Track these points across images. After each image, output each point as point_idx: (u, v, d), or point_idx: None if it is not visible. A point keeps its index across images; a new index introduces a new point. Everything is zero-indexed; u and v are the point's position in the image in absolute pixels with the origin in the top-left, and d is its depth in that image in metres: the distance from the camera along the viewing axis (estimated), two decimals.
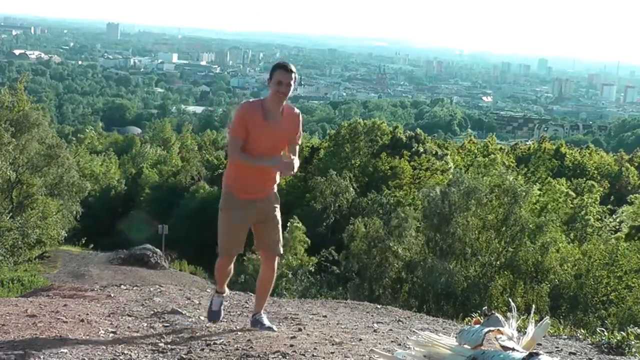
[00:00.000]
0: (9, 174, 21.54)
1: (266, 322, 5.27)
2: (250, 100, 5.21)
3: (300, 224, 23.28)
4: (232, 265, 5.30)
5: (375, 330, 5.59)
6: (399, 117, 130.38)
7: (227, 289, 5.52)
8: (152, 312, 5.98)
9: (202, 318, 5.84)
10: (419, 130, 38.68)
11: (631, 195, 28.38)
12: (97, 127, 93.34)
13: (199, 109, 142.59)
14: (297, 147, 5.12)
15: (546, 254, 18.18)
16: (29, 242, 21.92)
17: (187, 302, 6.64)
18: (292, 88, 4.92)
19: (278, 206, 5.18)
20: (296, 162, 4.95)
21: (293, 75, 4.90)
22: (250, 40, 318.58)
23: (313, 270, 22.05)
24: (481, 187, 18.65)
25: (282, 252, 5.22)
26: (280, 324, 5.63)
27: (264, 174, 4.98)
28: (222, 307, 5.44)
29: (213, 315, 5.40)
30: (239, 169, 5.02)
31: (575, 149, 44.90)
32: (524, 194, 18.74)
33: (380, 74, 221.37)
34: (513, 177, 20.30)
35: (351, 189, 26.96)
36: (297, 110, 5.14)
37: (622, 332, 5.44)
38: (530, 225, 18.73)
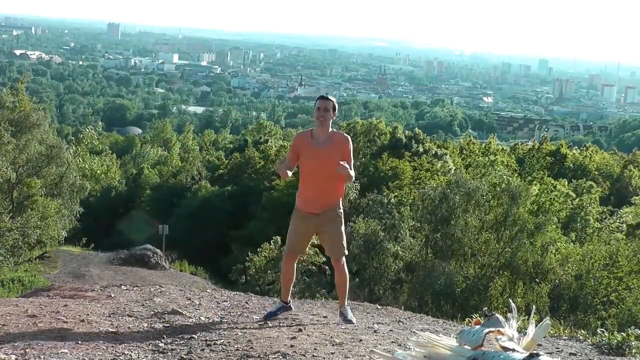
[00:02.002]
0: (9, 174, 21.55)
1: (349, 315, 5.98)
2: (302, 131, 6.32)
3: None
4: (293, 269, 6.04)
5: (375, 331, 5.60)
6: (400, 117, 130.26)
7: (290, 301, 6.16)
8: (153, 313, 5.98)
9: (202, 318, 5.84)
10: (417, 130, 38.66)
11: (635, 197, 28.38)
12: (97, 127, 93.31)
13: (200, 109, 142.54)
14: (350, 166, 5.67)
15: (546, 254, 18.17)
16: (30, 242, 21.92)
17: (187, 302, 6.64)
18: (330, 113, 5.76)
19: (338, 219, 5.91)
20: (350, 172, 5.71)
21: (330, 102, 5.77)
22: (250, 41, 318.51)
23: (313, 269, 22.00)
24: (482, 189, 18.62)
25: (345, 252, 5.95)
26: (281, 324, 5.64)
27: (319, 194, 5.80)
28: (278, 312, 5.99)
29: (267, 315, 5.98)
30: (301, 189, 5.94)
31: (576, 149, 44.84)
32: (523, 193, 18.73)
33: (380, 74, 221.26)
34: (511, 177, 20.30)
35: (354, 188, 26.91)
36: (346, 136, 5.91)
37: (622, 333, 5.44)
38: (530, 226, 18.71)
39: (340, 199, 5.97)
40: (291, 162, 5.87)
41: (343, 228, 5.98)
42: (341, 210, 5.97)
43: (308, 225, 5.90)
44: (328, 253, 6.11)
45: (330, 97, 5.84)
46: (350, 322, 5.89)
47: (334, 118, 5.82)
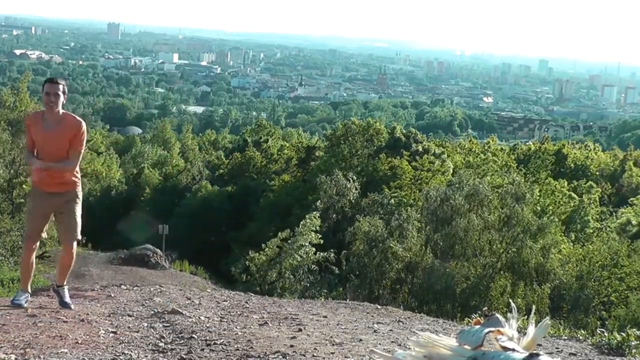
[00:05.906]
0: (8, 174, 21.56)
1: (66, 296, 5.95)
2: (35, 111, 6.19)
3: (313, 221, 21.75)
4: (33, 255, 5.96)
5: (375, 331, 5.59)
6: (400, 117, 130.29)
7: (30, 292, 6.12)
8: (153, 312, 5.98)
9: (202, 318, 5.84)
10: (414, 130, 38.61)
11: (632, 198, 28.38)
12: (98, 127, 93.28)
13: (200, 109, 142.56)
14: (77, 153, 5.76)
15: (548, 255, 18.15)
16: None
17: (187, 302, 6.64)
18: (61, 97, 5.67)
19: (76, 202, 5.86)
20: (56, 166, 5.69)
21: (59, 86, 5.69)
22: (250, 41, 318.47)
23: (313, 269, 21.96)
24: (484, 190, 18.60)
25: (78, 237, 5.91)
26: (281, 324, 5.63)
27: (53, 173, 5.73)
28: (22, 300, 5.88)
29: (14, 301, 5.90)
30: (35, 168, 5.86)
31: (577, 145, 44.79)
32: (528, 195, 18.70)
33: (380, 74, 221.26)
34: (516, 178, 20.29)
35: (354, 189, 26.86)
36: (78, 120, 5.82)
37: (622, 333, 5.44)
38: (533, 227, 18.67)
39: (77, 181, 5.91)
40: (30, 145, 5.91)
41: (79, 212, 5.89)
42: (79, 193, 5.92)
43: (45, 205, 5.82)
44: (61, 236, 6.04)
45: (59, 81, 5.77)
46: (67, 305, 5.84)
47: (64, 101, 5.74)
